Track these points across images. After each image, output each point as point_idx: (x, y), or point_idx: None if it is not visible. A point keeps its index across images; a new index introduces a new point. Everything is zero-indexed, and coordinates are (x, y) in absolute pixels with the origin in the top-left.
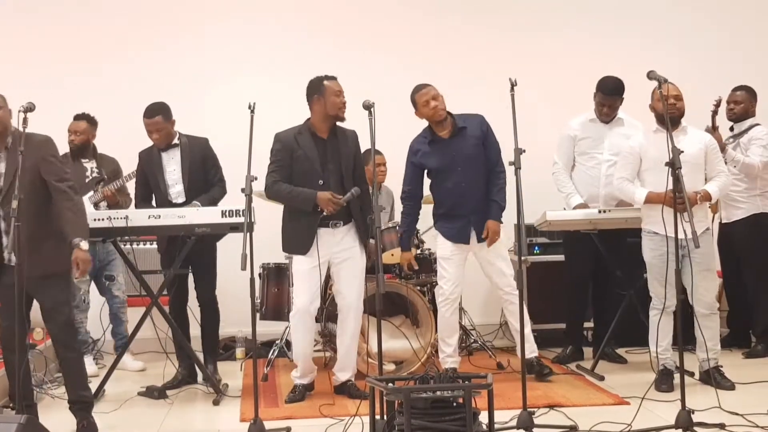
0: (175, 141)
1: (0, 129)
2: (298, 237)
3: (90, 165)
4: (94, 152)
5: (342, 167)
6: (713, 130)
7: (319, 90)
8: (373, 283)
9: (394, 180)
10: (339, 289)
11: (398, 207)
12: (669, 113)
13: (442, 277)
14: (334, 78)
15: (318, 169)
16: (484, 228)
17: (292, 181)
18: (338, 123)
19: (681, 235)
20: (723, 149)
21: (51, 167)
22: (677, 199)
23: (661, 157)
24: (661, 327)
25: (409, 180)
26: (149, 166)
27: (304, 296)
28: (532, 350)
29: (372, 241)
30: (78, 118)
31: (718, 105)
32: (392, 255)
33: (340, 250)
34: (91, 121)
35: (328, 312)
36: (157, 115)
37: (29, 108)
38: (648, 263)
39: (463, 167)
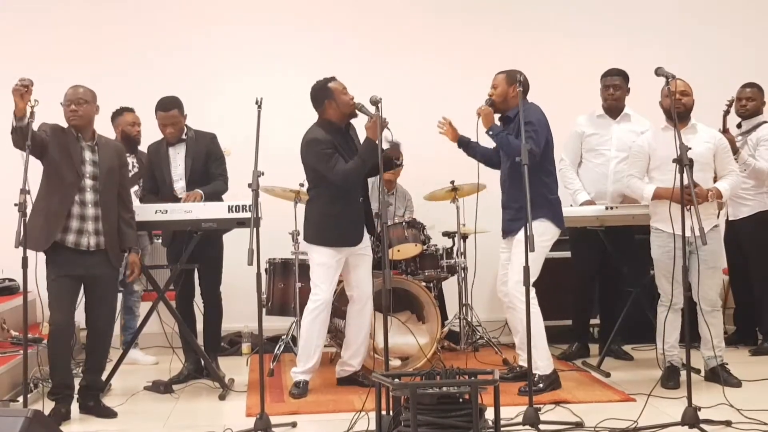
0: (183, 136)
1: (84, 123)
2: (348, 229)
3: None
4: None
5: None
6: (724, 132)
7: (328, 94)
8: (380, 279)
9: (405, 178)
10: (356, 281)
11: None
12: (675, 108)
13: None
14: (333, 78)
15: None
16: (511, 229)
17: None
18: None
19: (689, 233)
20: (736, 152)
21: (125, 172)
22: (685, 195)
23: (669, 155)
24: (668, 324)
25: None
26: (157, 160)
27: (327, 289)
28: (536, 367)
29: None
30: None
31: (730, 105)
32: (398, 251)
33: (360, 245)
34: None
35: (333, 307)
36: (174, 108)
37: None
38: (656, 260)
39: (504, 158)
